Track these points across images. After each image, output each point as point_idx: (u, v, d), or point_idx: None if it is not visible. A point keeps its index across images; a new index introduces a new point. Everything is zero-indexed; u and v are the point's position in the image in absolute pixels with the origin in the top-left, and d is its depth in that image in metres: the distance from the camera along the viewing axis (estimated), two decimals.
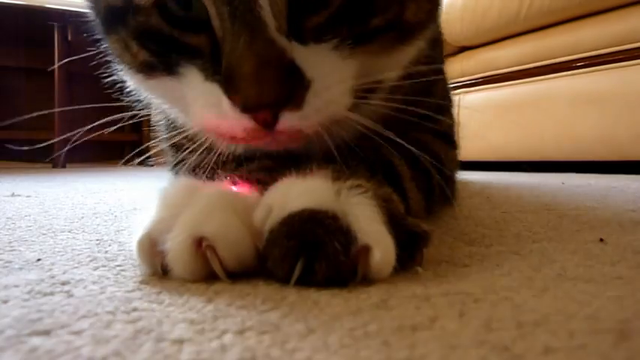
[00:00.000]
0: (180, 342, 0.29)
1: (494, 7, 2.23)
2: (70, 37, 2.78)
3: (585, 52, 1.95)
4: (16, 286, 0.40)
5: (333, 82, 0.43)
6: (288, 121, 0.42)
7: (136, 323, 0.32)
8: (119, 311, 0.34)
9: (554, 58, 2.07)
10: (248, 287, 0.40)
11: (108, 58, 0.59)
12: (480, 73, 2.40)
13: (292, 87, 0.41)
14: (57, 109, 2.84)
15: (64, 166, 3.05)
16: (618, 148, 1.84)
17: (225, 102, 0.42)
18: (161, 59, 0.47)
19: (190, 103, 0.47)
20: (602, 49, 1.89)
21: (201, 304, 0.36)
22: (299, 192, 0.41)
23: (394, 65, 0.51)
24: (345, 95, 0.45)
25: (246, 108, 0.41)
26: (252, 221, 0.42)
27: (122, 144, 3.45)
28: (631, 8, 1.82)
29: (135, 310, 0.35)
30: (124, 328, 0.31)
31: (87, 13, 0.57)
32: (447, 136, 0.73)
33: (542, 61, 2.12)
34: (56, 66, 2.76)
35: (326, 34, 0.43)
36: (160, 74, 0.48)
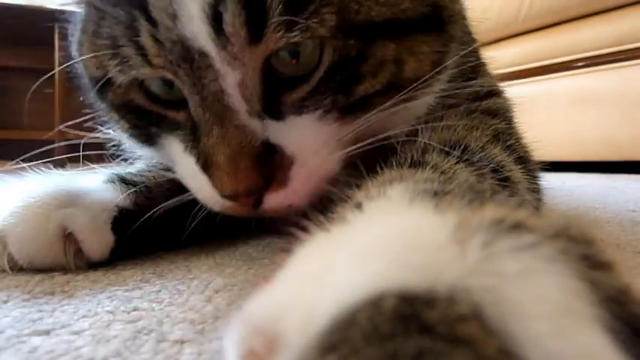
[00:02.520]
0: (180, 342, 0.29)
1: (494, 6, 2.23)
2: (70, 38, 2.78)
3: (585, 52, 1.95)
4: (16, 286, 0.40)
5: (318, 149, 0.41)
6: (274, 200, 0.40)
7: (136, 323, 0.32)
8: (119, 311, 0.34)
9: (554, 58, 2.07)
10: (248, 286, 0.40)
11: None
12: None
13: (271, 169, 0.39)
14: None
15: (63, 167, 3.04)
16: (618, 148, 1.84)
17: (205, 180, 0.42)
18: (141, 131, 0.47)
19: (176, 164, 0.47)
20: (602, 49, 1.89)
21: (201, 303, 0.36)
22: (355, 252, 0.19)
23: (400, 122, 0.46)
24: (335, 156, 0.42)
25: (225, 196, 0.41)
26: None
27: None
28: (631, 8, 1.82)
29: (135, 309, 0.35)
30: (125, 328, 0.31)
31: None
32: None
33: (542, 61, 2.12)
34: (56, 66, 2.75)
35: (307, 107, 0.40)
36: (143, 142, 0.49)
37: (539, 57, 2.13)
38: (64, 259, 0.44)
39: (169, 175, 0.57)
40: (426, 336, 0.15)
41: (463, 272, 0.17)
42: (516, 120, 0.61)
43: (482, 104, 0.53)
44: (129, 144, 0.55)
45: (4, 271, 0.44)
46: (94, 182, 0.50)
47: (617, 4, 1.85)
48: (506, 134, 0.48)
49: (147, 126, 0.46)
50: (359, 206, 0.26)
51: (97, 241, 0.45)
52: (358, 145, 0.42)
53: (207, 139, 0.40)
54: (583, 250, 0.18)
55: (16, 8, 2.81)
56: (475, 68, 0.58)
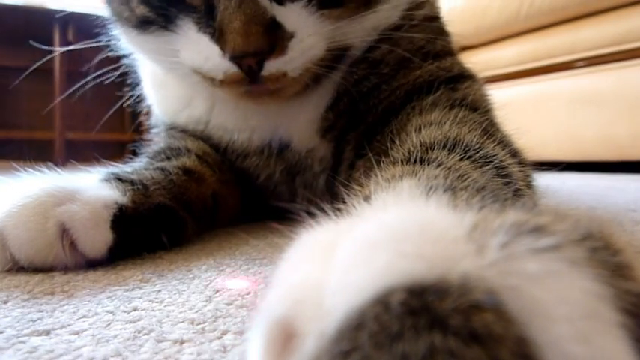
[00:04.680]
0: (180, 342, 0.29)
1: (494, 6, 2.23)
2: (70, 37, 2.78)
3: (585, 52, 1.95)
4: (16, 286, 0.40)
5: (311, 32, 0.51)
6: (273, 66, 0.49)
7: (136, 323, 0.32)
8: (119, 311, 0.34)
9: (554, 58, 2.07)
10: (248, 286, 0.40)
11: (108, 24, 0.66)
12: (479, 72, 2.40)
13: (274, 38, 0.48)
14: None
15: (64, 166, 3.04)
16: (618, 148, 1.84)
17: (214, 50, 0.50)
18: (159, 13, 0.53)
19: (181, 50, 0.54)
20: (602, 49, 1.89)
21: (201, 303, 0.36)
22: (363, 244, 0.18)
23: (359, 32, 0.56)
24: (321, 43, 0.52)
25: (234, 56, 0.48)
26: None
27: (122, 144, 3.45)
28: (631, 8, 1.82)
29: (135, 309, 0.35)
30: (125, 327, 0.31)
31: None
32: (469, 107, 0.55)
33: (542, 60, 2.12)
34: (57, 66, 2.75)
35: None
36: (156, 29, 0.54)
37: (539, 57, 2.13)
38: (65, 257, 0.44)
39: (169, 167, 0.58)
40: (437, 331, 0.14)
41: (480, 266, 0.16)
42: (493, 108, 0.61)
43: (460, 95, 0.56)
44: (135, 41, 0.60)
45: (3, 270, 0.44)
46: (90, 181, 0.50)
47: (617, 4, 1.85)
48: (493, 128, 0.49)
49: (165, 8, 0.53)
50: (367, 199, 0.26)
51: (94, 237, 0.45)
52: (335, 42, 0.53)
53: (226, 9, 0.47)
54: (606, 256, 0.17)
55: (16, 8, 2.81)
56: (441, 31, 0.66)
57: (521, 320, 0.14)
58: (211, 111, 0.67)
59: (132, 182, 0.52)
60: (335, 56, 0.55)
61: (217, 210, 0.64)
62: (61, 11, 2.70)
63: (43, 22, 2.79)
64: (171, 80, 0.68)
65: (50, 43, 2.81)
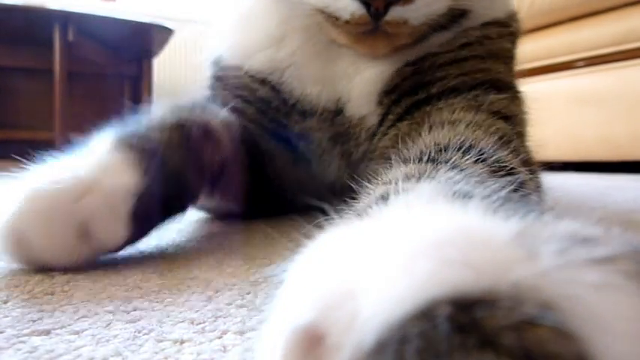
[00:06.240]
0: (180, 342, 0.29)
1: None
2: (70, 37, 2.78)
3: (585, 52, 1.95)
4: (16, 286, 0.40)
5: None
6: (398, 12, 0.51)
7: (136, 323, 0.32)
8: (119, 310, 0.34)
9: (554, 58, 2.07)
10: (248, 286, 0.40)
11: None
12: None
13: None
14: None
15: None
16: (617, 148, 1.84)
17: None
18: None
19: None
20: (602, 49, 1.89)
21: (202, 303, 0.36)
22: (394, 252, 0.17)
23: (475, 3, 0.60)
24: (441, 3, 0.54)
25: None
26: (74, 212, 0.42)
27: None
28: (631, 8, 1.82)
29: (135, 309, 0.35)
30: (125, 327, 0.31)
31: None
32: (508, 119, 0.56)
33: (542, 60, 2.12)
34: (56, 66, 2.75)
35: None
36: None
37: (539, 57, 2.13)
38: (84, 252, 0.43)
39: (189, 124, 0.54)
40: (489, 351, 0.13)
41: (533, 274, 0.15)
42: (526, 120, 0.62)
43: (487, 100, 0.56)
44: None
45: (4, 270, 0.44)
46: (103, 156, 0.47)
47: (617, 4, 1.85)
48: (509, 135, 0.49)
49: None
50: (384, 199, 0.25)
51: (114, 230, 0.44)
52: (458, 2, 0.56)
53: None
54: None
55: (16, 8, 2.81)
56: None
57: (580, 335, 0.13)
58: (295, 53, 0.66)
59: (150, 154, 0.48)
60: (452, 16, 0.58)
61: (222, 179, 0.62)
62: (61, 11, 2.70)
63: (43, 22, 2.79)
64: (264, 14, 0.67)
65: (50, 43, 2.81)
